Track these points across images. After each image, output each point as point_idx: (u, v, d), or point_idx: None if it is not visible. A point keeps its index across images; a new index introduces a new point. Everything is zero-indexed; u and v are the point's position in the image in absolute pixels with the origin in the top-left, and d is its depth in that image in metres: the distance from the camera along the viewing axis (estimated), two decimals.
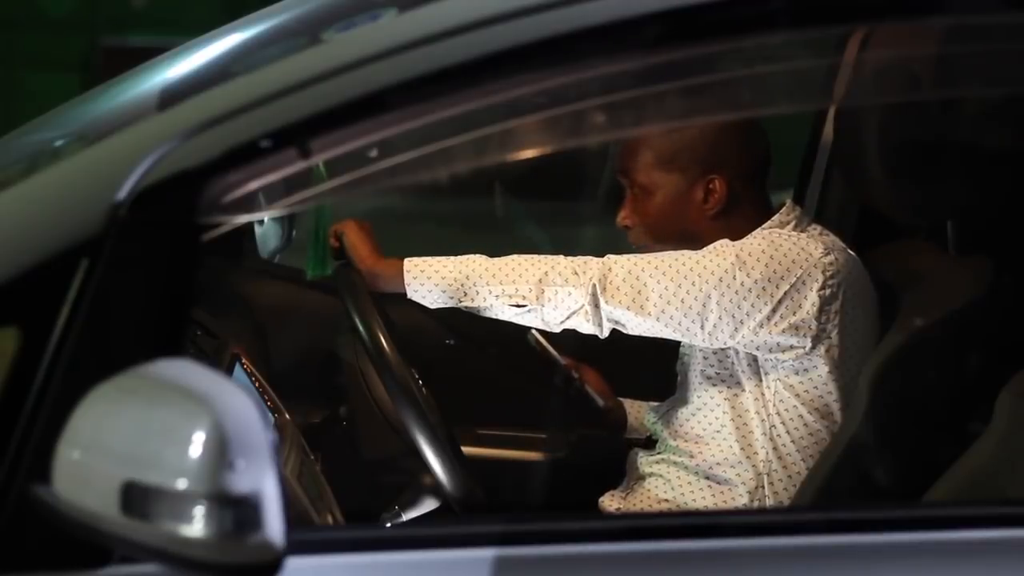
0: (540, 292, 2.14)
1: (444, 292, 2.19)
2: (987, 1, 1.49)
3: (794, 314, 2.07)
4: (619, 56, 1.45)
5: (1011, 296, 2.03)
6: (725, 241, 2.14)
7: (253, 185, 1.38)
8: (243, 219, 1.40)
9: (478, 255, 2.21)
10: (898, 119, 2.04)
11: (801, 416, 2.13)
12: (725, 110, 1.98)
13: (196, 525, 1.16)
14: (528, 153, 1.55)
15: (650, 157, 2.21)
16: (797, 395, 2.12)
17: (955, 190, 2.07)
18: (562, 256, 2.18)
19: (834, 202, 2.67)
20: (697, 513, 2.03)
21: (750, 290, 2.07)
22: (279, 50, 1.66)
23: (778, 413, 2.14)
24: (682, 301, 2.09)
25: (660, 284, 2.10)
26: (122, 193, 1.34)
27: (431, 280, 2.19)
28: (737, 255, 2.09)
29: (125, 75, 1.90)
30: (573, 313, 2.14)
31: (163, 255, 1.36)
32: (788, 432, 2.14)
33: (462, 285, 2.18)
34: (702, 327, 2.10)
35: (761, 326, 2.08)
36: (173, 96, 1.52)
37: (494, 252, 2.22)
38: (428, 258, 2.22)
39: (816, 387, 2.12)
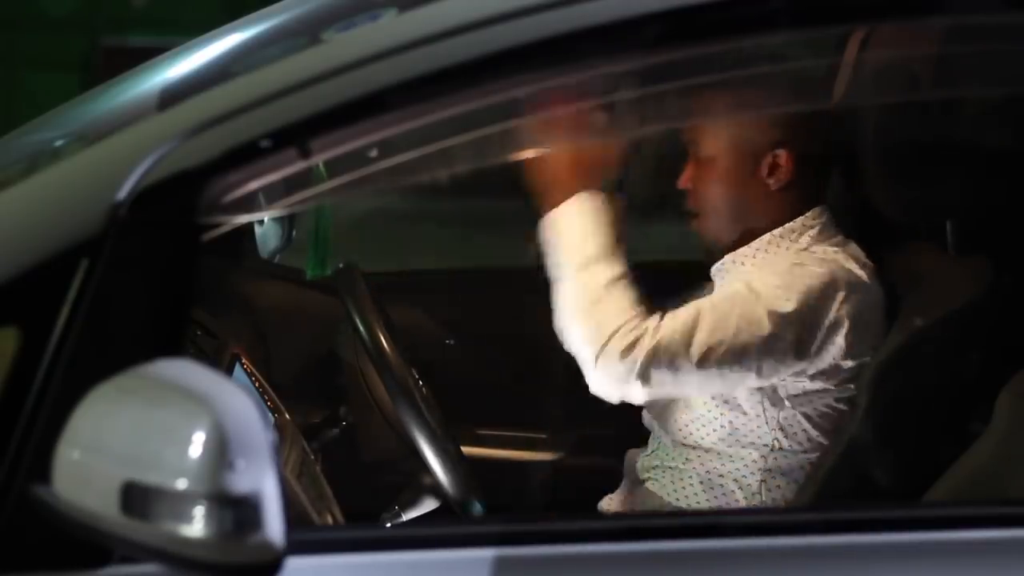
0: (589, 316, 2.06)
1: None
2: (987, 1, 1.49)
3: (823, 361, 2.06)
4: (619, 56, 1.45)
5: (1011, 296, 2.03)
6: (749, 296, 2.06)
7: (253, 185, 1.38)
8: (243, 219, 1.40)
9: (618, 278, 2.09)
10: (898, 119, 2.04)
11: (806, 431, 2.12)
12: (725, 110, 1.98)
13: (196, 525, 1.16)
14: (528, 153, 1.55)
15: (719, 124, 2.15)
16: (805, 413, 2.11)
17: (955, 190, 2.07)
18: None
19: (834, 202, 2.66)
20: (697, 513, 2.03)
21: (785, 353, 2.04)
22: (279, 50, 1.66)
23: (781, 428, 2.12)
24: (723, 378, 2.05)
25: (702, 370, 2.04)
26: (122, 193, 1.34)
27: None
28: (770, 318, 2.03)
29: (125, 75, 1.90)
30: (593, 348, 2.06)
31: (163, 255, 1.36)
32: (791, 446, 2.12)
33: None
34: (742, 386, 2.09)
35: (789, 378, 2.07)
36: (173, 96, 1.52)
37: (494, 252, 2.22)
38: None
39: (825, 405, 2.11)
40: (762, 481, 2.14)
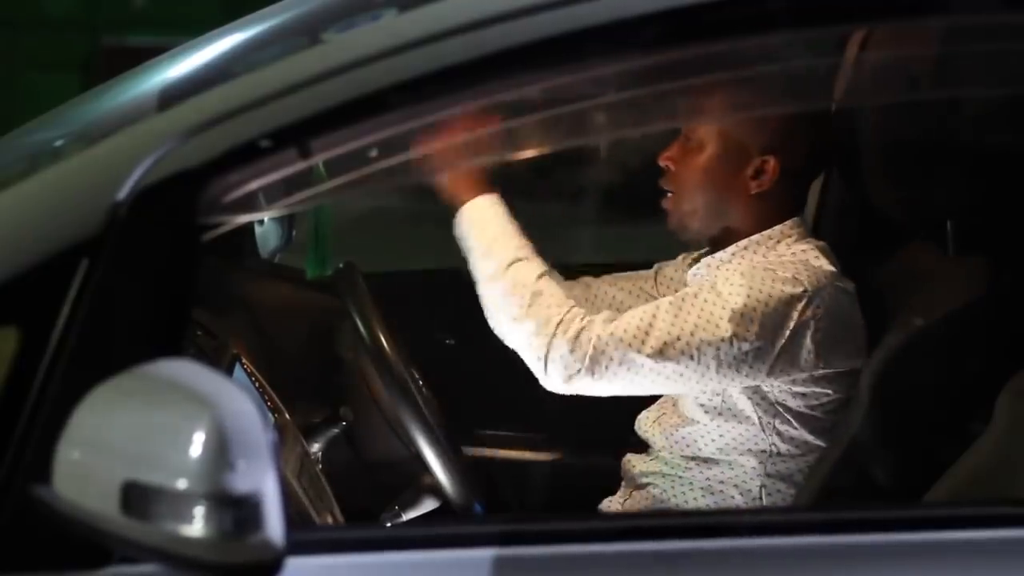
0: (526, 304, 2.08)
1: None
2: (987, 1, 1.49)
3: (792, 365, 2.05)
4: (619, 56, 1.45)
5: (1011, 296, 2.03)
6: (713, 297, 2.05)
7: (253, 185, 1.38)
8: (243, 219, 1.40)
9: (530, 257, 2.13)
10: (898, 119, 2.04)
11: (802, 436, 2.11)
12: (724, 110, 1.98)
13: (196, 525, 1.16)
14: (528, 153, 1.55)
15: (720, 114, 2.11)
16: (798, 419, 2.11)
17: (955, 190, 2.07)
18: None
19: (834, 202, 2.67)
20: (697, 513, 2.03)
21: (747, 353, 2.03)
22: (279, 50, 1.66)
23: (778, 434, 2.11)
24: (680, 375, 2.05)
25: (657, 365, 2.04)
26: (122, 193, 1.34)
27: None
28: (730, 319, 2.02)
29: (125, 75, 1.90)
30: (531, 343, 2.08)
31: (163, 255, 1.36)
32: (789, 451, 2.12)
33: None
34: (699, 386, 2.09)
35: (757, 381, 2.07)
36: (173, 96, 1.52)
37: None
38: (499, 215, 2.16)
39: (816, 410, 2.11)
40: (762, 486, 2.13)
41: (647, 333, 2.03)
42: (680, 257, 2.35)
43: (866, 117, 2.09)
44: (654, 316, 2.05)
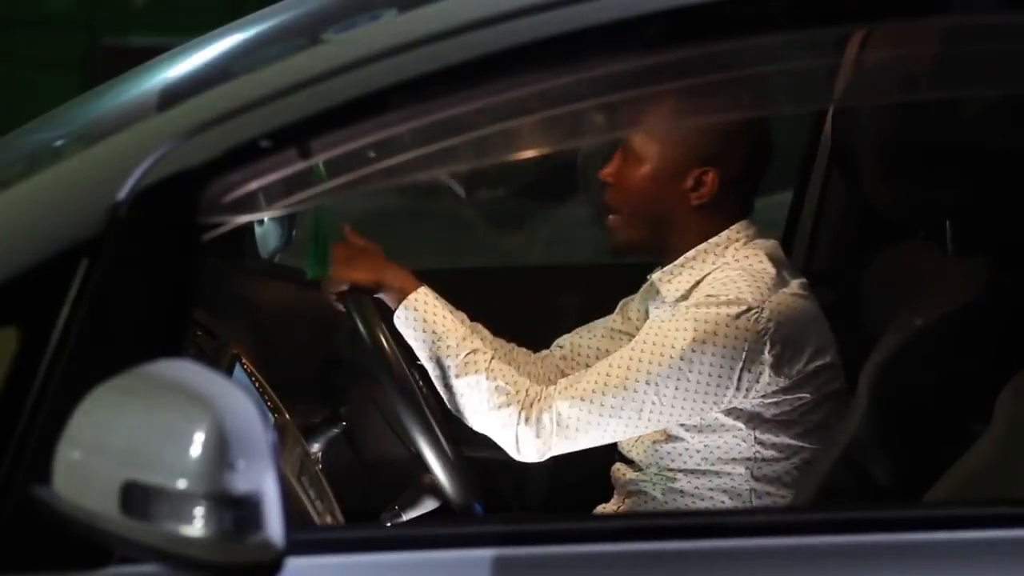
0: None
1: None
2: (987, 1, 1.49)
3: (757, 383, 2.06)
4: (619, 56, 1.45)
5: (1011, 296, 2.03)
6: (661, 338, 2.06)
7: (253, 185, 1.38)
8: (243, 219, 1.40)
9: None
10: (898, 119, 2.04)
11: (784, 440, 2.11)
12: (724, 110, 1.98)
13: (196, 525, 1.16)
14: (528, 153, 1.55)
15: (656, 127, 2.14)
16: (777, 424, 2.11)
17: (955, 190, 2.07)
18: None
19: (834, 202, 2.67)
20: (697, 513, 2.03)
21: (708, 384, 2.05)
22: (279, 50, 1.66)
23: (759, 442, 2.11)
24: (649, 419, 2.08)
25: (623, 418, 2.07)
26: (122, 193, 1.35)
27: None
28: (682, 357, 2.04)
29: (125, 75, 1.90)
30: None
31: (163, 255, 1.37)
32: (774, 455, 2.12)
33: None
34: (672, 421, 2.11)
35: (727, 404, 2.07)
36: (173, 96, 1.52)
37: (494, 252, 2.21)
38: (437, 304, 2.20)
39: (791, 414, 2.11)
40: (752, 490, 2.14)
41: (603, 393, 2.07)
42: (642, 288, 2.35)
43: (866, 117, 2.09)
44: (607, 374, 2.08)
